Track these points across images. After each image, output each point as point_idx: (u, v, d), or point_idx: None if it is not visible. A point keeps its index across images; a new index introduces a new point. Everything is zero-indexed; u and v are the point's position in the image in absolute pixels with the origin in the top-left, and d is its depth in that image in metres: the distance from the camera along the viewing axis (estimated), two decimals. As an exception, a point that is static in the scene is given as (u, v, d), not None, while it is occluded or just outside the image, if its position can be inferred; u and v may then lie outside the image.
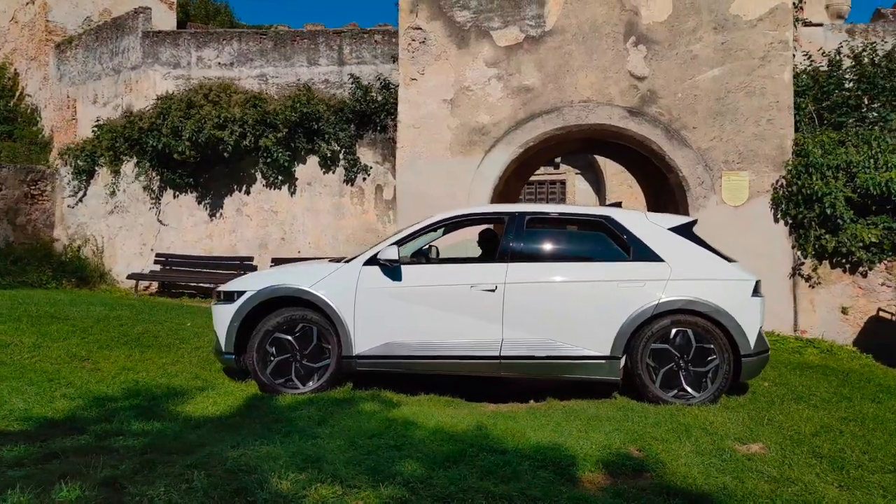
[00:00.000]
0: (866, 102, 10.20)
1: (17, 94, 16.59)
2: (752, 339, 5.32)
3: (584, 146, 14.59)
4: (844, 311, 8.85)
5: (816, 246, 8.72)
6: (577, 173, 36.34)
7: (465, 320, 5.49)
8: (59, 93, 15.71)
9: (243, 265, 12.06)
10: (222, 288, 6.03)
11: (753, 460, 4.12)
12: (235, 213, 12.46)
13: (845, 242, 8.57)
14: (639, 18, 9.38)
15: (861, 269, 8.80)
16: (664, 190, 12.87)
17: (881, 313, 8.76)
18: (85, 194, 13.99)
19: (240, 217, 12.43)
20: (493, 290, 5.46)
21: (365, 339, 5.58)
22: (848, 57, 10.70)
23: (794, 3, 9.51)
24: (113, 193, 13.47)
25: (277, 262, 11.79)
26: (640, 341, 5.35)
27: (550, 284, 5.47)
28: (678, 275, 5.39)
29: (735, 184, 9.08)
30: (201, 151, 11.63)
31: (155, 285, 13.08)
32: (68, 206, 14.24)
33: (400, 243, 5.70)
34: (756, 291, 5.47)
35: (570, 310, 5.42)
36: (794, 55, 9.31)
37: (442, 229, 6.10)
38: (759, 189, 9.04)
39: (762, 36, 9.07)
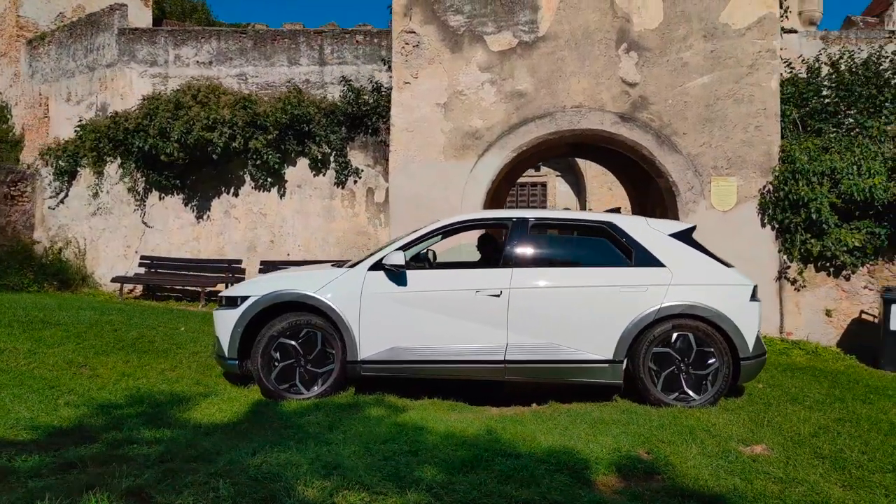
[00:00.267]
0: (843, 109, 10.48)
1: (-14, 91, 16.24)
2: (751, 343, 5.45)
3: (571, 150, 14.75)
4: (828, 313, 9.08)
5: (802, 250, 8.93)
6: (557, 175, 36.63)
7: (471, 325, 5.54)
8: (31, 90, 15.41)
9: (231, 268, 11.97)
10: (225, 293, 6.01)
11: (758, 461, 4.23)
12: (223, 215, 12.35)
13: (830, 247, 8.80)
14: (630, 25, 9.52)
15: (844, 272, 9.04)
16: (649, 194, 13.07)
17: (864, 316, 9.00)
18: (66, 195, 13.74)
19: (228, 219, 12.33)
20: (497, 296, 5.52)
21: (370, 343, 5.60)
22: (825, 64, 10.99)
23: (780, 14, 9.72)
24: (96, 195, 13.25)
25: (266, 264, 11.72)
26: (643, 345, 5.45)
27: (554, 289, 5.54)
28: (679, 280, 5.50)
29: (724, 189, 9.26)
30: (190, 153, 11.51)
31: (139, 288, 12.91)
32: (49, 207, 13.97)
33: (405, 248, 5.73)
34: (754, 296, 5.61)
35: (573, 314, 5.50)
36: (780, 64, 9.51)
37: (441, 234, 6.13)
38: (747, 194, 9.24)
39: (750, 45, 9.27)
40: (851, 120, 10.21)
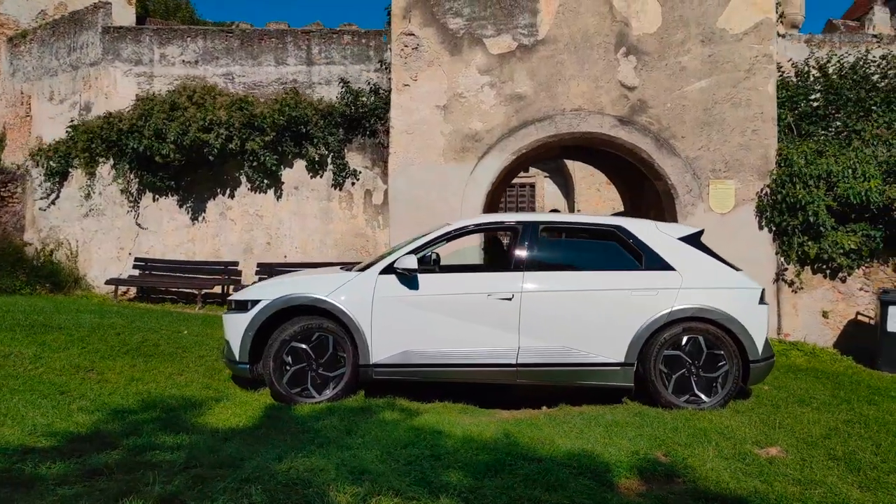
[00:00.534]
0: (832, 112, 10.65)
1: (-35, 89, 15.97)
2: (760, 346, 5.53)
3: (563, 152, 14.84)
4: (825, 314, 9.21)
5: (799, 252, 9.05)
6: (546, 177, 36.80)
7: (483, 329, 5.56)
8: (12, 89, 15.19)
9: (227, 270, 11.89)
10: (235, 297, 5.99)
11: (775, 464, 4.29)
12: (219, 216, 12.26)
13: (827, 249, 8.93)
14: (629, 30, 9.59)
15: (841, 274, 9.18)
16: (643, 196, 13.19)
17: (859, 317, 9.15)
18: (58, 196, 13.56)
19: (223, 221, 12.24)
20: (509, 299, 5.54)
21: (382, 347, 5.61)
22: (813, 68, 11.17)
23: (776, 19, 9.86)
24: (88, 196, 13.09)
25: (263, 266, 11.66)
26: (654, 348, 5.50)
27: (566, 293, 5.57)
28: (689, 283, 5.56)
29: (722, 192, 9.36)
30: (186, 154, 11.41)
31: (133, 291, 12.78)
32: (40, 208, 13.78)
33: (416, 252, 5.73)
34: (762, 299, 5.68)
35: (585, 318, 5.54)
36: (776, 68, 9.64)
37: (452, 238, 6.13)
38: (745, 197, 9.35)
39: (747, 49, 9.39)
40: (840, 123, 10.38)
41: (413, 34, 10.00)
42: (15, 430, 4.12)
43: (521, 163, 11.42)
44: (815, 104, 10.75)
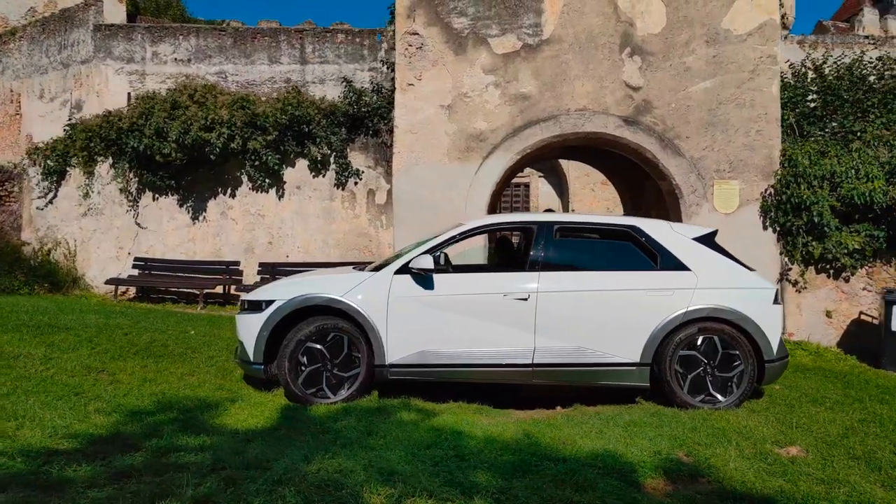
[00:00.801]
0: (829, 113, 10.73)
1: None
2: (775, 345, 5.55)
3: (562, 152, 14.85)
4: (829, 314, 9.27)
5: (804, 252, 9.11)
6: (540, 176, 36.84)
7: (499, 329, 5.56)
8: (1, 87, 15.03)
9: (229, 270, 11.82)
10: (248, 297, 5.95)
11: (797, 463, 4.31)
12: (220, 216, 12.19)
13: (831, 249, 8.98)
14: (634, 30, 9.61)
15: (844, 274, 9.24)
16: (643, 195, 13.22)
17: (863, 316, 9.21)
18: (55, 196, 13.44)
19: (224, 220, 12.17)
20: (525, 299, 5.54)
21: (398, 347, 5.59)
22: (809, 69, 11.27)
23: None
24: (87, 195, 12.99)
25: (265, 266, 11.61)
26: (669, 348, 5.52)
27: (582, 293, 5.58)
28: (704, 283, 5.57)
29: (726, 192, 9.40)
30: (187, 153, 11.34)
31: (132, 290, 12.68)
32: (37, 207, 13.65)
33: (431, 251, 5.72)
34: (776, 299, 5.71)
35: (601, 318, 5.54)
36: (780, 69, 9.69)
37: (466, 237, 6.11)
38: (749, 197, 9.39)
39: (751, 50, 9.43)
40: (836, 124, 10.46)
41: (417, 33, 9.98)
42: (35, 432, 4.07)
43: (524, 163, 11.43)
44: (813, 105, 10.84)
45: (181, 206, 12.40)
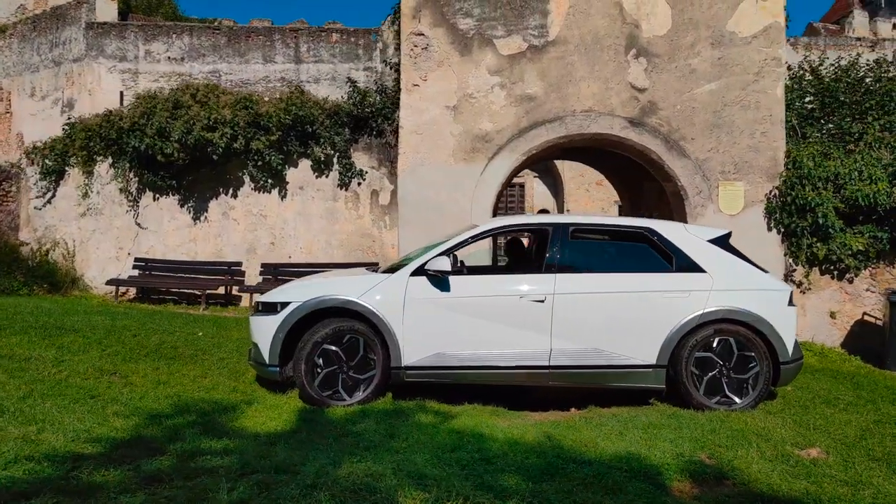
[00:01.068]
0: (826, 115, 10.82)
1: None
2: (790, 347, 5.58)
3: (563, 153, 14.87)
4: (832, 315, 9.33)
5: (808, 254, 9.16)
6: (535, 177, 36.89)
7: (515, 331, 5.56)
8: None
9: (231, 270, 11.76)
10: (262, 299, 5.92)
11: (819, 465, 4.34)
12: (221, 216, 12.12)
13: (835, 250, 9.05)
14: (639, 32, 9.64)
15: (848, 275, 9.31)
16: (643, 196, 13.27)
17: (866, 317, 9.28)
18: (54, 195, 13.33)
19: (226, 221, 12.11)
20: (542, 301, 5.54)
21: (414, 349, 5.58)
22: (806, 71, 11.35)
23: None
24: (86, 195, 12.88)
25: (267, 267, 11.57)
26: (685, 350, 5.54)
27: (598, 295, 5.58)
28: (720, 285, 5.59)
29: (731, 193, 9.44)
30: (190, 153, 11.28)
31: (133, 291, 12.59)
32: (35, 207, 13.53)
33: (448, 253, 5.70)
34: (791, 301, 5.73)
35: (618, 320, 5.55)
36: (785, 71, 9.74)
37: (482, 239, 6.11)
38: (754, 199, 9.44)
39: (756, 52, 9.48)
40: (832, 125, 10.54)
41: (423, 34, 9.96)
42: (58, 436, 4.03)
43: (527, 164, 11.43)
44: (811, 107, 10.92)
45: (182, 206, 12.32)
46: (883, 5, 41.80)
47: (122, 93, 13.04)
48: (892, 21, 27.37)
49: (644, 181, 12.35)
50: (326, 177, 11.62)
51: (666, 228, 5.85)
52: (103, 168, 12.76)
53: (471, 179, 9.83)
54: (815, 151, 9.39)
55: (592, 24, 9.73)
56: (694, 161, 9.51)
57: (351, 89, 11.56)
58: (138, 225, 12.61)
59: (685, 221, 9.59)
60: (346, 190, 11.58)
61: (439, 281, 5.60)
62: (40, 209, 13.50)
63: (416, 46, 9.99)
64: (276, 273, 11.45)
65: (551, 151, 11.15)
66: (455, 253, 6.48)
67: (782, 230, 9.35)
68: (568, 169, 34.01)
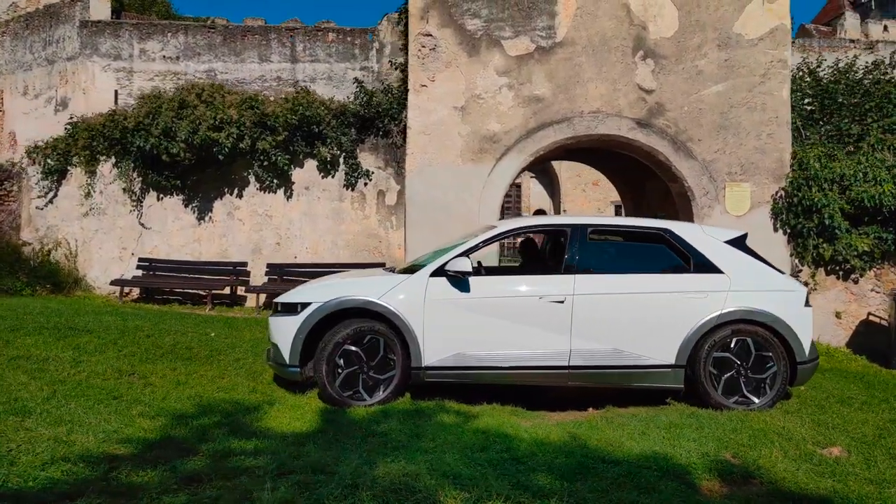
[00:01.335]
0: (825, 117, 10.92)
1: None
2: (807, 347, 5.64)
3: (566, 153, 14.93)
4: (838, 315, 9.43)
5: (814, 254, 9.25)
6: (532, 177, 36.98)
7: (535, 331, 5.59)
8: None
9: (236, 270, 11.73)
10: (282, 300, 5.93)
11: (841, 464, 4.39)
12: (226, 216, 12.09)
13: (841, 251, 9.14)
14: (647, 33, 9.70)
15: (853, 276, 9.40)
16: (644, 197, 13.34)
17: (871, 317, 9.38)
18: (56, 195, 13.25)
19: (231, 221, 12.08)
20: (561, 302, 5.58)
21: (434, 350, 5.60)
22: (805, 73, 11.46)
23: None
24: (88, 195, 12.81)
25: (273, 267, 11.55)
26: (703, 350, 5.59)
27: (617, 296, 5.62)
28: (737, 286, 5.65)
29: (738, 194, 9.52)
30: (196, 153, 11.25)
31: (136, 291, 12.54)
32: (37, 207, 13.44)
33: (467, 254, 5.73)
34: (807, 302, 5.79)
35: (637, 320, 5.60)
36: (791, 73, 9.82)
37: (500, 239, 6.14)
38: (760, 200, 9.52)
39: (763, 54, 9.55)
40: (831, 126, 10.63)
41: (431, 35, 9.98)
42: (88, 437, 4.03)
43: (533, 165, 11.48)
44: (810, 108, 11.03)
45: (186, 206, 12.28)
46: (874, 7, 42.23)
47: (116, 91, 12.99)
48: (882, 23, 27.67)
49: (647, 181, 12.42)
50: (332, 177, 11.62)
51: (683, 229, 5.90)
52: (106, 168, 12.70)
53: (478, 180, 9.86)
54: (821, 153, 9.48)
55: (600, 26, 9.78)
56: (701, 162, 9.58)
57: (357, 89, 11.55)
58: (142, 225, 12.55)
59: (691, 222, 9.66)
60: (353, 190, 11.58)
61: (459, 282, 5.63)
62: (42, 209, 13.42)
63: (423, 47, 10.01)
64: (282, 273, 11.44)
65: (556, 152, 11.20)
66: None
67: (788, 231, 9.43)
68: (564, 169, 34.20)
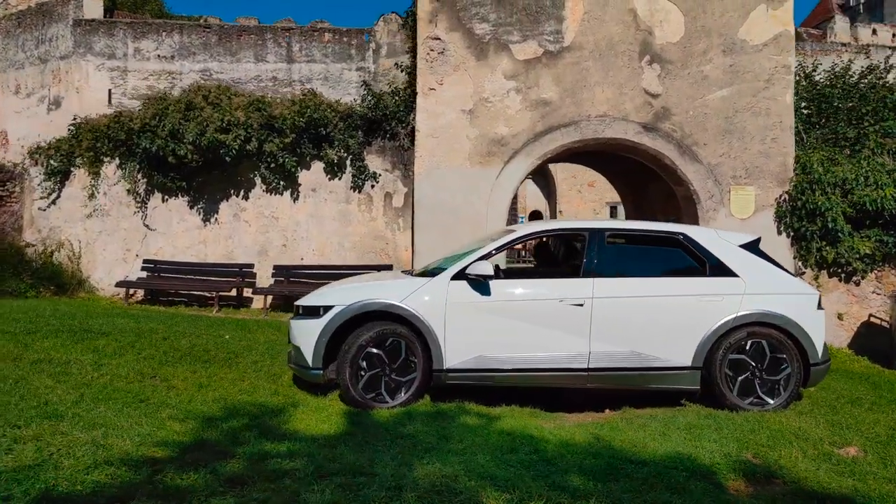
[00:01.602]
0: (822, 121, 11.09)
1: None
2: (819, 349, 5.77)
3: (570, 156, 15.05)
4: (840, 316, 9.58)
5: (817, 257, 9.40)
6: (528, 177, 36.94)
7: (555, 334, 5.68)
8: None
9: (243, 272, 11.77)
10: (303, 303, 5.99)
11: (859, 463, 4.51)
12: (232, 218, 12.12)
13: (843, 254, 9.29)
14: (653, 38, 9.82)
15: (855, 278, 9.56)
16: (646, 199, 13.48)
17: (872, 319, 9.54)
18: (59, 196, 13.22)
19: (237, 223, 12.11)
20: (581, 305, 5.67)
21: (456, 352, 5.68)
22: (801, 77, 11.63)
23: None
24: (92, 196, 12.81)
25: (279, 269, 11.60)
26: (719, 352, 5.70)
27: (636, 299, 5.72)
28: (752, 289, 5.76)
29: (742, 198, 9.66)
30: (203, 155, 11.27)
31: (141, 293, 12.54)
32: (39, 208, 13.40)
33: (487, 257, 5.81)
34: (820, 304, 5.92)
35: (655, 323, 5.70)
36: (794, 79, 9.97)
37: (520, 243, 6.23)
38: (764, 203, 9.66)
39: (767, 60, 9.69)
40: (827, 130, 10.79)
41: (439, 38, 10.06)
42: (125, 440, 4.08)
43: (540, 167, 11.57)
44: (807, 112, 11.21)
45: (192, 207, 12.31)
46: (862, 11, 42.72)
47: (110, 91, 12.99)
48: (871, 27, 28.03)
49: (649, 184, 12.55)
50: (339, 179, 11.68)
51: (699, 233, 6.01)
52: (110, 169, 12.71)
53: (487, 183, 9.95)
54: (823, 157, 9.63)
55: (607, 31, 9.89)
56: (706, 166, 9.71)
57: (365, 92, 11.61)
58: (146, 226, 12.57)
59: (696, 224, 9.79)
60: (360, 192, 11.64)
61: (480, 285, 5.71)
62: (45, 210, 13.39)
63: (432, 51, 10.08)
64: (289, 275, 11.49)
65: (562, 155, 11.30)
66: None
67: (792, 234, 9.58)
68: (560, 170, 34.38)
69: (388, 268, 11.00)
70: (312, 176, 11.75)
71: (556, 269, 6.70)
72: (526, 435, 4.83)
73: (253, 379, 6.29)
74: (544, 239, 7.34)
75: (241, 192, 12.06)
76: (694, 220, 9.97)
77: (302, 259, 11.80)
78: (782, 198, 9.60)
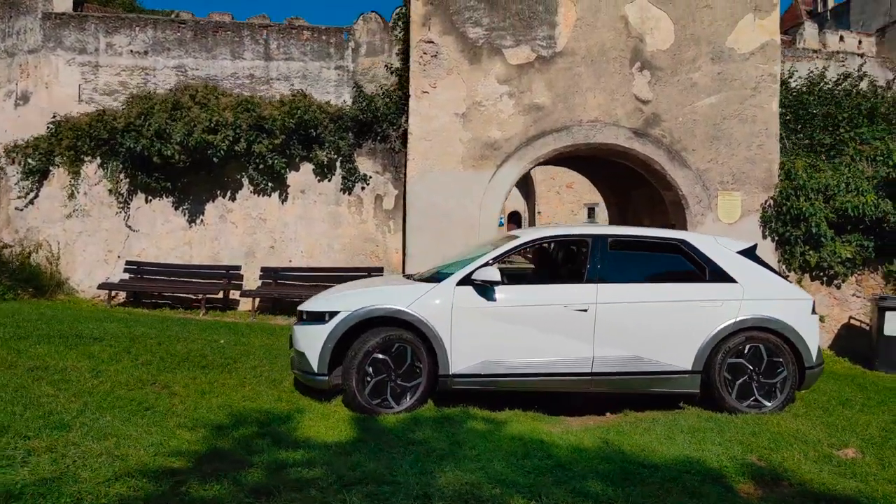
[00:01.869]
0: (798, 127, 11.36)
1: None
2: (814, 353, 5.93)
3: (558, 160, 15.18)
4: (821, 319, 9.80)
5: (801, 261, 9.64)
6: (507, 179, 36.99)
7: (559, 339, 5.74)
8: None
9: (229, 274, 11.62)
10: (307, 308, 5.96)
11: (858, 464, 4.65)
12: (218, 219, 11.97)
13: (826, 258, 9.55)
14: (644, 45, 9.97)
15: (836, 281, 9.83)
16: (630, 203, 13.67)
17: (852, 321, 9.81)
18: (37, 196, 12.90)
19: (223, 224, 11.96)
20: (585, 310, 5.74)
21: (462, 357, 5.71)
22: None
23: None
24: (72, 196, 12.53)
25: (267, 271, 11.49)
26: (719, 356, 5.82)
27: (638, 304, 5.82)
28: (750, 294, 5.90)
29: (729, 203, 9.86)
30: (190, 155, 11.12)
31: (122, 295, 12.32)
32: (16, 208, 13.07)
33: (492, 263, 5.85)
34: (813, 310, 6.08)
35: (657, 328, 5.80)
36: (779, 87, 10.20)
37: (524, 249, 6.28)
38: (750, 208, 9.87)
39: (754, 68, 9.91)
40: (802, 135, 11.06)
41: (432, 42, 10.08)
42: (139, 450, 4.03)
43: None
44: (786, 118, 11.45)
45: (177, 208, 12.12)
46: (829, 17, 43.77)
47: (80, 86, 12.72)
48: (839, 33, 28.76)
49: (633, 189, 12.74)
50: (329, 181, 11.61)
51: (699, 240, 6.13)
52: (91, 168, 12.44)
53: (479, 186, 10.00)
54: (807, 164, 9.88)
55: (599, 37, 10.01)
56: (695, 171, 9.89)
57: (356, 93, 11.57)
58: (129, 227, 12.33)
59: (685, 229, 9.97)
60: (350, 194, 11.59)
61: (485, 290, 5.75)
62: (22, 210, 13.05)
63: (425, 54, 10.11)
64: (277, 277, 11.39)
65: (553, 159, 11.40)
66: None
67: (776, 238, 9.81)
68: (539, 172, 34.63)
69: (379, 270, 10.98)
70: (302, 177, 11.67)
71: (558, 274, 6.76)
72: (536, 440, 4.88)
73: (254, 385, 6.23)
74: (543, 244, 7.39)
75: (228, 193, 11.92)
76: (682, 225, 10.16)
77: (290, 261, 11.70)
78: (767, 203, 9.82)
